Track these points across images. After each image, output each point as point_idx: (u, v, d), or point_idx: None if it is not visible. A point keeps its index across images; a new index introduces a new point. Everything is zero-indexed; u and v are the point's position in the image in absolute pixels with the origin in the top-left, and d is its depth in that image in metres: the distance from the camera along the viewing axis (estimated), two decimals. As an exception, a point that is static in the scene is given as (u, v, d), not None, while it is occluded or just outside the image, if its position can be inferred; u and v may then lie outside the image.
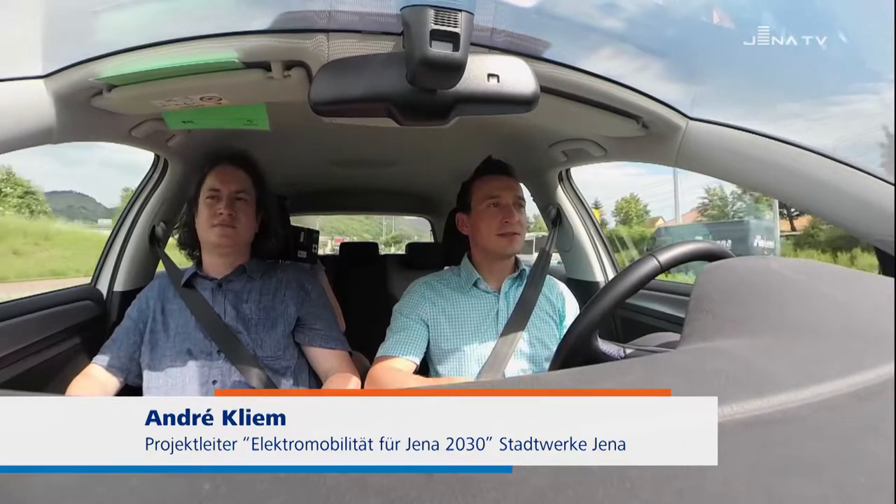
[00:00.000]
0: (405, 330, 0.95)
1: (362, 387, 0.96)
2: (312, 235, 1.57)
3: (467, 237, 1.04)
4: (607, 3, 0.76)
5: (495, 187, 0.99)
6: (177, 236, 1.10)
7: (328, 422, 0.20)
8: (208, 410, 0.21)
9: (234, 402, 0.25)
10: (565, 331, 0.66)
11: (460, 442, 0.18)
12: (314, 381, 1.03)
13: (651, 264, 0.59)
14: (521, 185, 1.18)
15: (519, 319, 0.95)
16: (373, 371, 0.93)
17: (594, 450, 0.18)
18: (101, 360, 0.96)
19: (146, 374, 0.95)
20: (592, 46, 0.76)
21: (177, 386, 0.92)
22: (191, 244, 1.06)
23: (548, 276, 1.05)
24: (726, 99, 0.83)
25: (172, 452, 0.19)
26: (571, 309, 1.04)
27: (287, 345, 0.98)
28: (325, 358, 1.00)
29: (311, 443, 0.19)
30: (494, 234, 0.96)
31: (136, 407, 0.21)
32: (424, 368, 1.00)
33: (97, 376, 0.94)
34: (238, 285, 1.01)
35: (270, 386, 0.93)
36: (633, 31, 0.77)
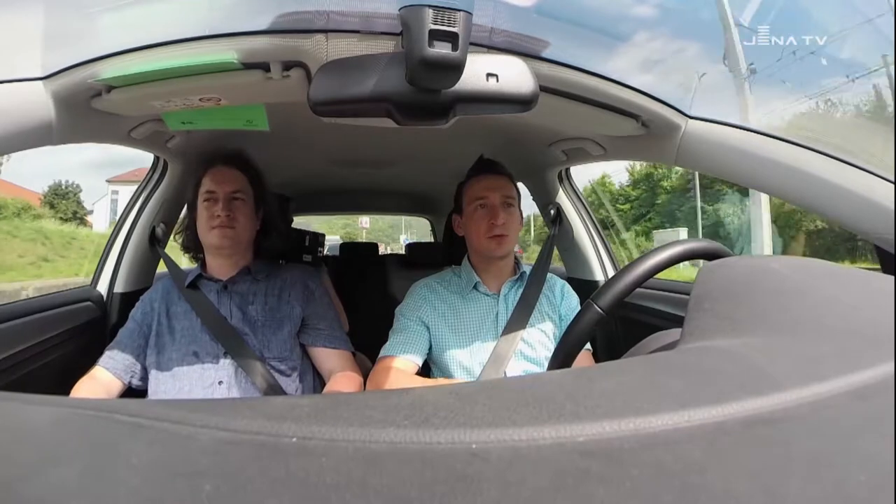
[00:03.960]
0: (406, 331, 0.96)
1: (364, 387, 0.96)
2: (318, 239, 1.58)
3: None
4: (606, 2, 0.76)
5: (482, 188, 0.98)
6: (179, 241, 1.10)
7: (328, 421, 0.20)
8: (210, 411, 0.21)
9: (235, 403, 0.25)
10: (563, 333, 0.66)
11: (460, 442, 0.18)
12: (318, 382, 1.03)
13: (593, 311, 0.56)
14: (519, 183, 1.17)
15: (519, 320, 0.95)
16: (374, 372, 0.93)
17: (594, 449, 0.18)
18: (105, 362, 0.96)
19: (153, 376, 0.95)
20: (591, 45, 0.76)
21: (184, 389, 0.92)
22: (194, 248, 1.06)
23: (549, 275, 1.05)
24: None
25: (173, 452, 0.19)
26: (572, 307, 1.04)
27: (294, 345, 0.98)
28: (329, 357, 1.00)
29: (312, 443, 0.19)
30: (484, 237, 0.96)
31: (138, 407, 0.21)
32: (426, 371, 1.00)
33: (101, 378, 0.94)
34: (243, 287, 1.01)
35: (276, 386, 0.93)
36: (631, 28, 0.77)
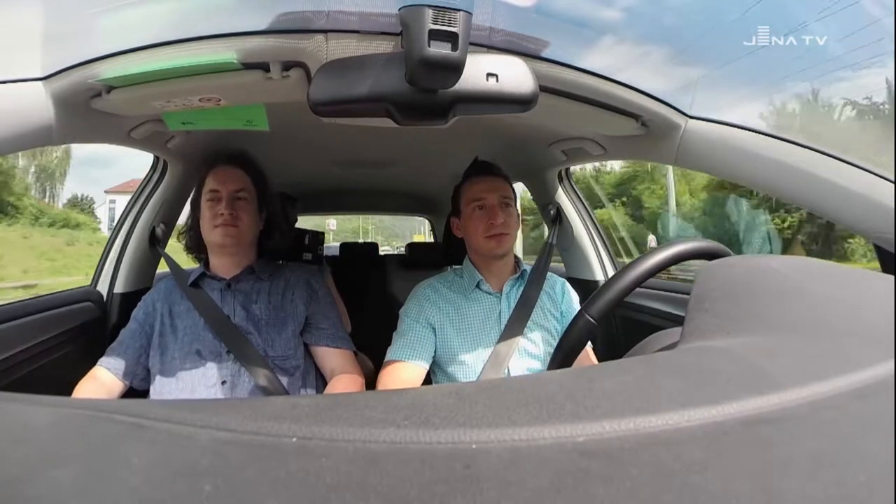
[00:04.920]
0: (412, 333, 0.95)
1: (367, 387, 0.96)
2: (317, 237, 1.58)
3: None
4: (607, 2, 0.76)
5: (479, 189, 0.99)
6: (183, 242, 1.10)
7: (328, 421, 0.20)
8: (210, 411, 0.21)
9: (235, 403, 0.25)
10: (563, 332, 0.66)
11: (460, 442, 0.18)
12: (321, 382, 1.03)
13: (584, 321, 0.57)
14: (518, 183, 1.16)
15: (519, 319, 0.95)
16: (382, 376, 0.92)
17: (594, 449, 0.18)
18: (106, 362, 0.96)
19: (156, 376, 0.95)
20: (589, 43, 0.76)
21: (186, 388, 0.92)
22: (197, 248, 1.06)
23: (549, 274, 1.05)
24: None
25: (173, 452, 0.19)
26: (572, 305, 1.04)
27: (297, 344, 0.98)
28: (332, 357, 1.00)
29: (312, 443, 0.19)
30: (482, 237, 0.97)
31: (138, 408, 0.21)
32: (429, 371, 1.00)
33: (102, 379, 0.94)
34: (247, 285, 1.01)
35: (279, 386, 0.93)
36: (631, 27, 0.77)
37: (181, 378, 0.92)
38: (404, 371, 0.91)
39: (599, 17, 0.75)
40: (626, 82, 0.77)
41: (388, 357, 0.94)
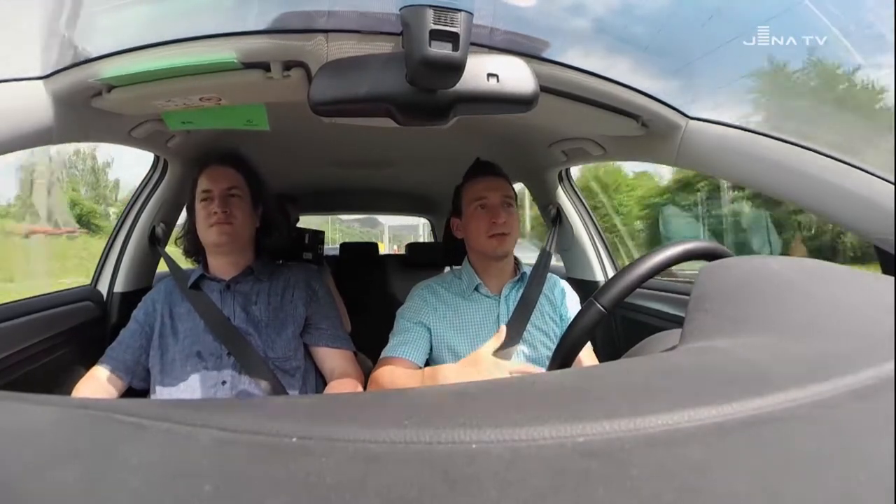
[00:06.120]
0: (407, 332, 0.95)
1: (365, 387, 0.96)
2: (317, 237, 1.58)
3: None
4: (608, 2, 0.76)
5: (482, 188, 0.98)
6: (181, 246, 1.10)
7: (328, 421, 0.20)
8: (210, 411, 0.21)
9: (235, 403, 0.25)
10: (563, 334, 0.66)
11: (460, 442, 0.18)
12: (321, 382, 1.03)
13: (594, 309, 0.57)
14: (518, 183, 1.15)
15: (519, 321, 0.95)
16: (375, 373, 0.93)
17: (594, 449, 0.18)
18: (106, 362, 0.96)
19: (156, 376, 0.95)
20: (589, 43, 0.76)
21: (186, 389, 0.92)
22: (195, 251, 1.06)
23: (549, 275, 1.05)
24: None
25: (173, 452, 0.19)
26: (572, 306, 1.04)
27: (297, 346, 0.98)
28: (331, 357, 1.01)
29: (312, 443, 0.19)
30: (484, 237, 0.96)
31: (138, 407, 0.21)
32: None
33: (102, 378, 0.94)
34: (246, 286, 1.01)
35: (279, 387, 0.93)
36: (632, 28, 0.77)
37: (181, 379, 0.92)
38: (396, 368, 0.91)
39: (600, 18, 0.75)
40: (627, 83, 0.77)
41: (382, 355, 0.95)
